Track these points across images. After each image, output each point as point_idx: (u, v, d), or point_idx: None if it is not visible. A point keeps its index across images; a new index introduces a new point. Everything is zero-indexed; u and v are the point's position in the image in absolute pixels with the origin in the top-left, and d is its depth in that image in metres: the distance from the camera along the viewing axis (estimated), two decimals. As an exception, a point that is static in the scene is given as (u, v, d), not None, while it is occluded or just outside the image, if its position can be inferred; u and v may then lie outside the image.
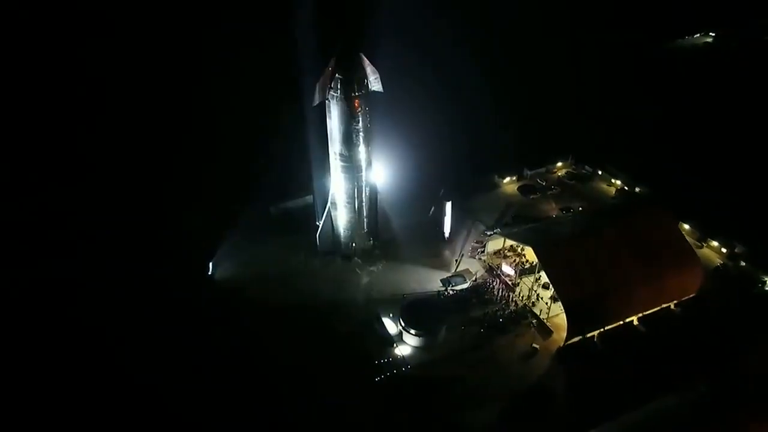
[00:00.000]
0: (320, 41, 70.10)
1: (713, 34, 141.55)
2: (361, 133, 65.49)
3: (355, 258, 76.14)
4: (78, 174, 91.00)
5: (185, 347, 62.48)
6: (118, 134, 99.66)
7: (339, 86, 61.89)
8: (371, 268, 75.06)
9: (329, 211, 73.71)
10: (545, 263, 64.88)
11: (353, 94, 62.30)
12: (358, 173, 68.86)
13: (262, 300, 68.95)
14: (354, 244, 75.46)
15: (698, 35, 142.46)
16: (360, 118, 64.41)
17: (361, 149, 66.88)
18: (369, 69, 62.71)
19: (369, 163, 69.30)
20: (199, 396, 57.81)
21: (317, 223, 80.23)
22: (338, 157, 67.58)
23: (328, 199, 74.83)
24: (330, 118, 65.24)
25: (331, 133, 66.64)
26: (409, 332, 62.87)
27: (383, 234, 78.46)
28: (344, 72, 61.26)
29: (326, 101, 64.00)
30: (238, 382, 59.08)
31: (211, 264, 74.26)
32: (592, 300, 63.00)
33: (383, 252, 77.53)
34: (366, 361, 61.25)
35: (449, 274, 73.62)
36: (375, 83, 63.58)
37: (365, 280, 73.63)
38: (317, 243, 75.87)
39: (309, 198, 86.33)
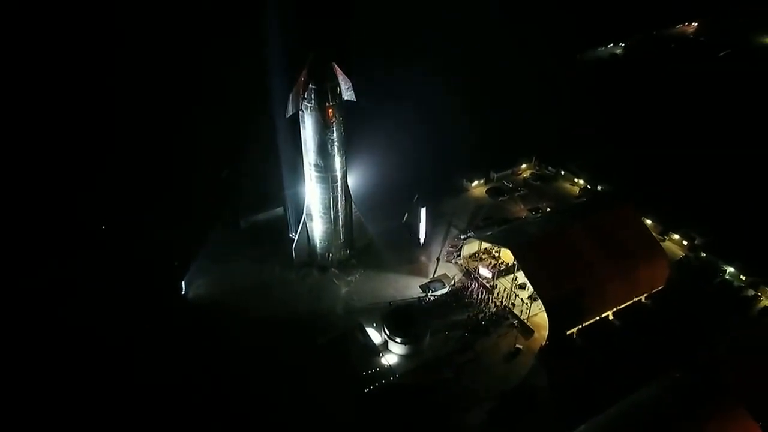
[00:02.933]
0: (290, 52, 69.24)
1: (623, 45, 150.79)
2: (335, 143, 64.96)
3: (332, 269, 75.35)
4: (30, 195, 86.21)
5: (162, 368, 60.26)
6: (73, 154, 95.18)
7: (313, 96, 61.27)
8: (349, 278, 74.46)
9: (305, 223, 72.64)
10: (523, 264, 66.08)
11: (327, 104, 61.80)
12: (334, 183, 68.24)
13: (239, 317, 67.55)
14: (330, 255, 74.68)
15: (611, 45, 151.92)
16: (334, 128, 63.94)
17: (336, 159, 66.35)
18: (342, 78, 62.38)
19: (344, 173, 68.83)
20: (178, 418, 55.90)
21: (291, 235, 79.29)
22: (313, 167, 66.79)
23: (301, 210, 74.18)
24: (304, 128, 64.46)
25: (305, 144, 65.83)
26: (394, 340, 62.63)
27: (358, 242, 77.99)
28: (318, 82, 60.68)
29: (300, 112, 63.23)
30: (220, 402, 57.53)
31: (183, 283, 71.90)
32: (570, 297, 64.46)
33: (359, 261, 77.04)
34: (352, 373, 60.73)
35: (428, 280, 73.98)
36: (348, 93, 63.27)
37: (344, 290, 72.97)
38: (293, 255, 74.59)
39: (279, 210, 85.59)
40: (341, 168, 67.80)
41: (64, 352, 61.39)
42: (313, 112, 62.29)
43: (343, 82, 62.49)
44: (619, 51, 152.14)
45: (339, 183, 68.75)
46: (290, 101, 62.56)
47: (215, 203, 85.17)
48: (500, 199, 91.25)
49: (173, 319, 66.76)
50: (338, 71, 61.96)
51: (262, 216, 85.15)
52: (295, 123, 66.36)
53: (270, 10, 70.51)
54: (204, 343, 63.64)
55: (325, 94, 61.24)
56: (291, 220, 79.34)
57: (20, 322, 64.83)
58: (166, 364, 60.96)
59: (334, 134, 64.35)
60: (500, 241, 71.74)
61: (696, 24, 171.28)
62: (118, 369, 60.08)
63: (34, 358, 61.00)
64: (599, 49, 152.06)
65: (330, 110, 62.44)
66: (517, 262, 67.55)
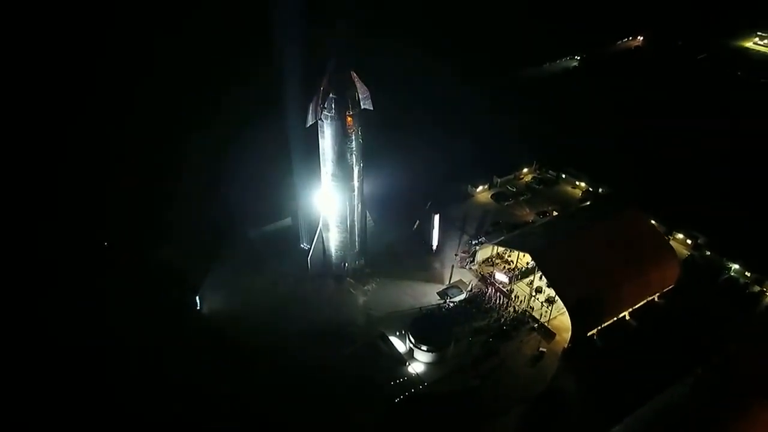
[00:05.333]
0: (305, 64, 68.86)
1: (578, 58, 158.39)
2: (354, 152, 64.63)
3: (348, 278, 74.69)
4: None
5: (182, 386, 58.72)
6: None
7: (333, 106, 60.84)
8: (365, 287, 73.88)
9: (320, 233, 71.92)
10: (544, 268, 66.79)
11: (347, 113, 61.45)
12: (351, 192, 67.79)
13: (258, 330, 66.15)
14: (346, 264, 74.04)
15: (566, 59, 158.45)
16: (353, 137, 63.59)
17: (355, 168, 65.99)
18: (360, 87, 62.10)
19: (361, 182, 68.43)
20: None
21: (302, 246, 78.58)
22: (331, 177, 66.25)
23: (312, 220, 74.02)
24: (323, 138, 63.91)
25: (323, 154, 65.26)
26: (420, 349, 62.41)
27: (371, 251, 77.43)
28: (338, 91, 60.30)
29: (319, 122, 62.71)
30: (246, 417, 56.44)
31: (197, 297, 70.33)
32: (589, 299, 65.37)
33: (373, 270, 76.51)
34: (380, 384, 60.22)
35: (444, 287, 73.95)
36: (366, 101, 62.97)
37: (361, 299, 72.40)
38: (308, 266, 73.65)
39: (287, 220, 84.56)
40: (359, 177, 67.41)
41: (83, 373, 59.47)
42: (333, 122, 61.87)
43: (361, 91, 62.24)
44: (574, 64, 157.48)
45: (356, 192, 68.33)
46: (310, 111, 61.99)
47: (222, 215, 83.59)
48: (506, 203, 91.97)
49: (191, 334, 65.20)
50: (357, 79, 61.71)
51: (269, 227, 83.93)
52: (307, 133, 66.07)
53: (282, 17, 69.64)
54: (225, 358, 62.27)
55: (345, 102, 60.91)
56: (302, 230, 78.41)
57: (38, 345, 62.66)
58: (188, 379, 59.54)
59: (353, 143, 64.00)
60: (518, 246, 72.34)
61: (641, 38, 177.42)
62: (141, 387, 58.49)
63: (51, 383, 59.00)
64: (553, 62, 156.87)
65: (350, 119, 62.11)
66: (537, 266, 68.22)
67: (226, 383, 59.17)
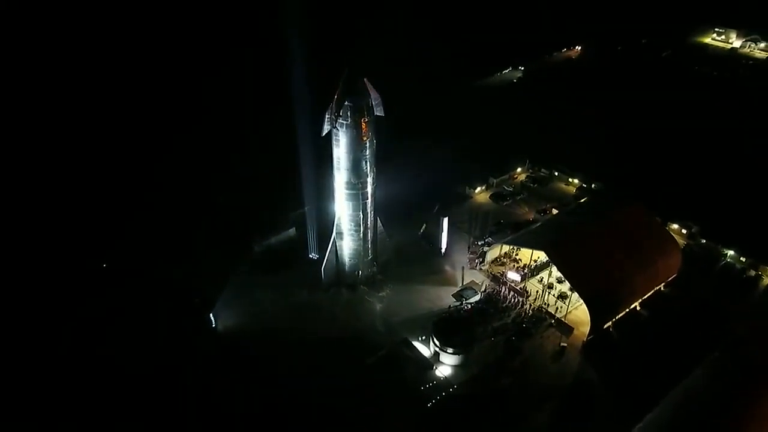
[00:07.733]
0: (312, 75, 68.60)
1: (522, 68, 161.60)
2: (369, 159, 64.45)
3: (362, 286, 74.25)
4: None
5: (205, 407, 57.43)
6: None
7: (348, 113, 60.54)
8: (380, 294, 73.59)
9: (334, 242, 71.28)
10: (559, 263, 68.08)
11: (363, 120, 61.24)
12: (365, 200, 67.51)
13: (277, 345, 64.87)
14: (360, 272, 73.58)
15: (509, 70, 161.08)
16: (367, 144, 63.42)
17: (369, 175, 65.80)
18: (372, 93, 62.01)
19: (374, 189, 68.23)
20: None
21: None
22: (345, 185, 65.83)
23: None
24: (337, 146, 63.41)
25: (338, 162, 64.74)
26: (446, 351, 62.57)
27: (380, 257, 77.26)
28: (354, 98, 60.05)
29: (334, 130, 62.29)
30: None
31: (212, 315, 68.61)
32: (605, 291, 67.13)
33: (385, 276, 76.31)
34: (411, 389, 60.05)
35: (458, 288, 74.36)
36: (377, 108, 62.93)
37: (378, 306, 72.05)
38: (322, 275, 72.78)
39: (291, 231, 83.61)
40: (372, 184, 67.22)
41: (97, 399, 57.57)
42: (349, 129, 61.53)
43: (373, 97, 62.16)
44: (519, 75, 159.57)
45: (369, 199, 68.10)
46: (325, 120, 61.55)
47: (224, 231, 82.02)
48: (504, 203, 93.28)
49: (209, 354, 63.63)
50: (369, 86, 61.65)
51: (274, 239, 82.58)
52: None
53: (289, 29, 69.23)
54: (246, 375, 60.98)
55: (361, 110, 60.69)
56: (311, 240, 77.60)
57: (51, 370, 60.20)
58: (211, 398, 58.18)
59: (367, 150, 63.79)
60: (530, 244, 73.43)
61: (579, 48, 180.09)
62: (160, 409, 56.93)
63: (61, 403, 57.13)
64: (498, 74, 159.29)
65: (365, 126, 61.92)
66: (552, 261, 69.46)
67: (250, 401, 58.19)
